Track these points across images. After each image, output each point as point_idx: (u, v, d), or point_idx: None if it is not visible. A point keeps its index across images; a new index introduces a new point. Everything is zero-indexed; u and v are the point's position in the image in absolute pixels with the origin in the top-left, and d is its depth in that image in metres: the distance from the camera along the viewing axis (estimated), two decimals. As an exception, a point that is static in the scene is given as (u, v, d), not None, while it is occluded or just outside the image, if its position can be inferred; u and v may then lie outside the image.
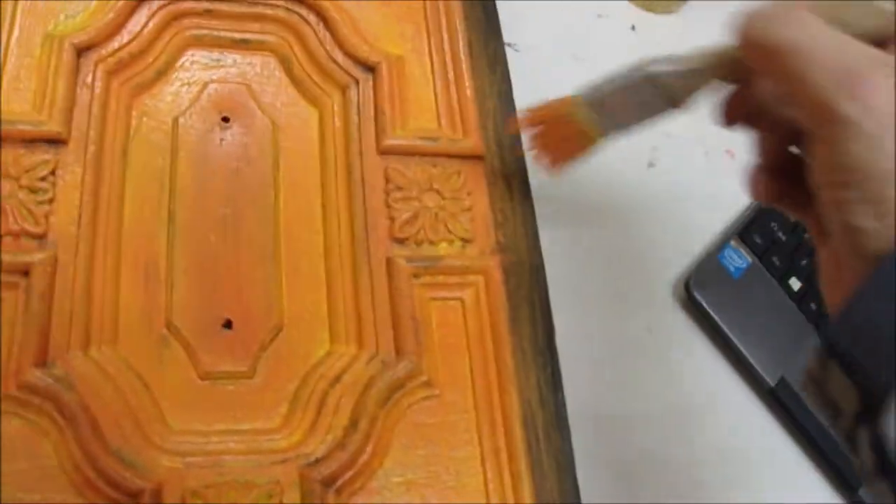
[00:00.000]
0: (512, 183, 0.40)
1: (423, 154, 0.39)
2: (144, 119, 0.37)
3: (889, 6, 0.28)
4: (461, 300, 0.36)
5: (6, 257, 0.32)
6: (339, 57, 0.40)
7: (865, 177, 0.24)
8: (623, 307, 0.42)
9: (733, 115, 0.32)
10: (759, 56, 0.27)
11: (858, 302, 0.24)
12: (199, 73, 0.39)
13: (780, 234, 0.47)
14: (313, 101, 0.40)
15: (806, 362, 0.26)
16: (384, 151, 0.38)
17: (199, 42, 0.39)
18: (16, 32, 0.37)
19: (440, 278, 0.36)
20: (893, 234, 0.23)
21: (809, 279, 0.46)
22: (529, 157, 0.39)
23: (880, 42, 0.27)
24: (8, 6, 0.37)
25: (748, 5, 0.26)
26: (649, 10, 0.53)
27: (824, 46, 0.25)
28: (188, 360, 0.33)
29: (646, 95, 0.34)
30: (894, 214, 0.23)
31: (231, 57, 0.40)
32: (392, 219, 0.37)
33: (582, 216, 0.39)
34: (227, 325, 0.34)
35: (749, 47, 0.28)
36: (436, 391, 0.34)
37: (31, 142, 0.35)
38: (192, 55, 0.39)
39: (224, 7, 0.40)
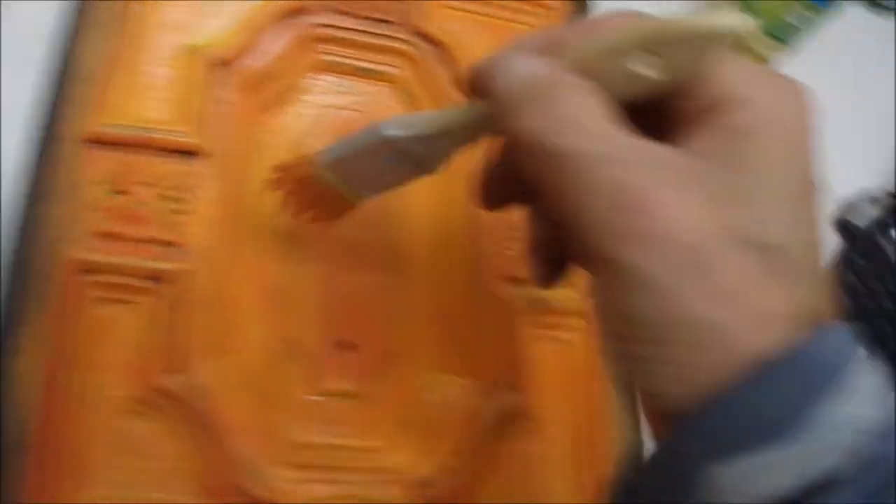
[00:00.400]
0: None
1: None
2: (270, 136, 0.39)
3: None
4: (565, 341, 0.38)
5: (140, 263, 0.34)
6: (458, 93, 0.41)
7: (656, 336, 0.19)
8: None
9: (497, 196, 0.27)
10: (528, 158, 0.21)
11: (656, 465, 0.20)
12: (323, 97, 0.40)
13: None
14: (432, 134, 0.41)
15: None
16: (501, 191, 0.40)
17: (326, 67, 0.41)
18: (156, 44, 0.38)
19: (547, 319, 0.38)
20: (697, 400, 0.18)
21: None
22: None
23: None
24: (148, 18, 0.38)
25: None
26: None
27: (598, 156, 0.19)
28: (309, 377, 0.35)
29: (390, 159, 0.30)
30: (695, 381, 0.18)
31: (355, 84, 0.41)
32: (507, 258, 0.38)
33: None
34: (347, 345, 0.36)
35: (516, 143, 0.22)
36: (538, 425, 0.36)
37: (170, 151, 0.36)
38: (318, 79, 0.41)
39: (351, 35, 0.41)
